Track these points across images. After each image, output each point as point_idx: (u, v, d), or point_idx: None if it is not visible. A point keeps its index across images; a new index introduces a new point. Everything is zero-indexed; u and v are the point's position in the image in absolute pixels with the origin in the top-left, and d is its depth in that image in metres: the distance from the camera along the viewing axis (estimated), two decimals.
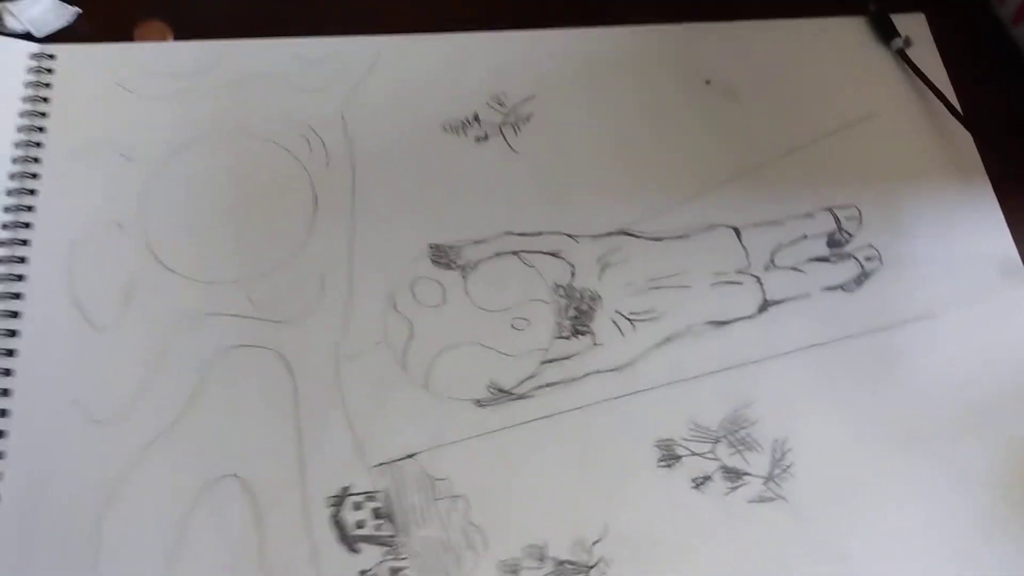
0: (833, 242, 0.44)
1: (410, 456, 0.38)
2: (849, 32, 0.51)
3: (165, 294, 0.41)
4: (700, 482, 0.38)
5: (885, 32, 0.51)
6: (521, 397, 0.40)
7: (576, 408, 0.39)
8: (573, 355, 0.41)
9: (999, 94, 0.50)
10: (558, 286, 0.42)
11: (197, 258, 0.42)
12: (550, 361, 0.40)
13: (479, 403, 0.39)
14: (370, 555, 0.36)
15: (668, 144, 0.47)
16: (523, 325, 0.41)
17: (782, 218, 0.45)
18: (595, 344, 0.41)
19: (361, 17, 0.50)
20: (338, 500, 0.37)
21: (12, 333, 0.40)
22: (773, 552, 0.37)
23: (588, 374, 0.40)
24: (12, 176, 0.43)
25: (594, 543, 0.37)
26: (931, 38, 0.51)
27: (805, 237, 0.44)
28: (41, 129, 0.45)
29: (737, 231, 0.44)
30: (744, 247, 0.44)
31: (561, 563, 0.37)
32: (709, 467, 0.38)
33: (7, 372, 0.39)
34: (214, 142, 0.45)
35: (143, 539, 0.36)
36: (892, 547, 0.38)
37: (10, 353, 0.39)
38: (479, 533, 0.37)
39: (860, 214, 0.45)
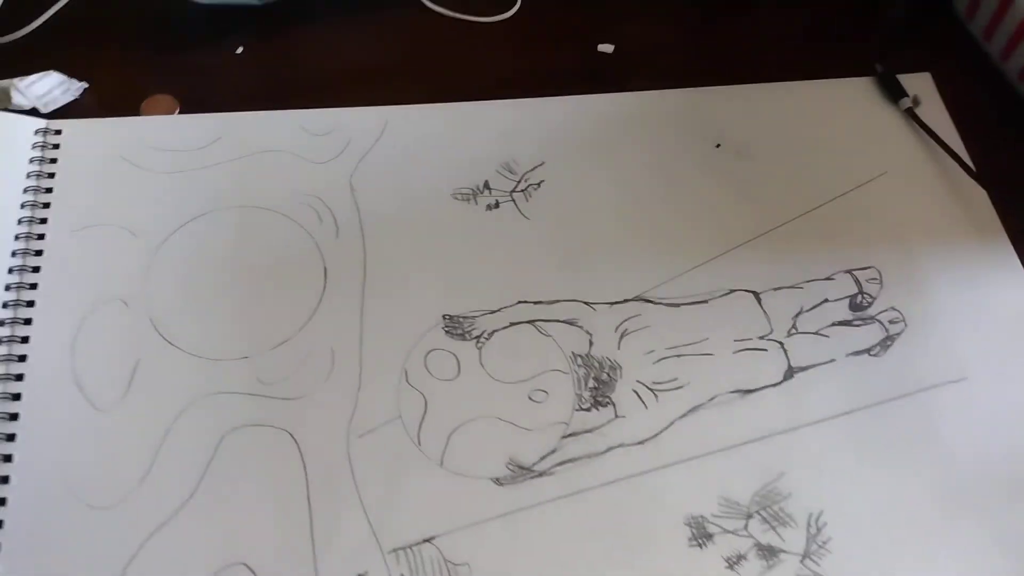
0: (855, 305, 0.43)
1: (427, 540, 0.36)
2: (857, 93, 0.51)
3: (170, 372, 0.40)
4: (734, 562, 0.36)
5: (893, 92, 0.51)
6: (542, 474, 0.38)
7: (601, 485, 0.38)
8: (595, 428, 0.39)
9: (1009, 150, 0.50)
10: (576, 355, 0.41)
11: (203, 335, 0.41)
12: (571, 435, 0.39)
13: (498, 481, 0.38)
14: None
15: (681, 208, 0.46)
16: (541, 397, 0.40)
17: (801, 281, 0.44)
18: (617, 416, 0.39)
19: (366, 90, 0.50)
20: None
21: (13, 416, 0.38)
22: None
23: (611, 448, 0.39)
24: (15, 253, 0.42)
25: None
26: (939, 97, 0.51)
27: (827, 300, 0.43)
28: (46, 205, 0.44)
29: (757, 296, 0.43)
30: (765, 312, 0.43)
31: None
32: (743, 545, 0.37)
33: (7, 458, 0.37)
34: (221, 215, 0.45)
35: None
36: None
37: (10, 438, 0.38)
38: None
39: (881, 276, 0.44)
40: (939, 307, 0.43)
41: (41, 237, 0.43)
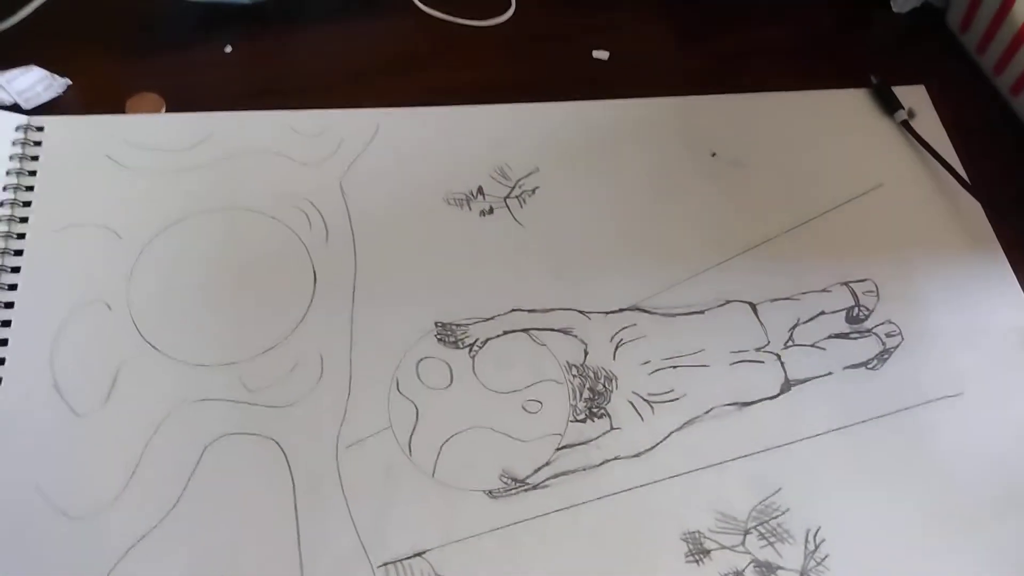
0: (852, 318, 0.43)
1: (418, 554, 0.35)
2: (852, 104, 0.51)
3: (154, 378, 0.39)
4: None
5: (888, 104, 0.51)
6: (536, 487, 0.37)
7: (596, 499, 0.37)
8: (590, 440, 0.38)
9: (1002, 162, 0.50)
10: (571, 365, 0.40)
11: (188, 339, 0.40)
12: (566, 447, 0.38)
13: (491, 494, 0.37)
14: None
15: (677, 217, 0.46)
16: (536, 408, 0.39)
17: (798, 293, 0.43)
18: (612, 428, 0.39)
19: (357, 92, 0.49)
20: None
21: None
22: None
23: (607, 461, 0.38)
24: None
25: None
26: (933, 109, 0.51)
27: (823, 313, 0.43)
28: (26, 204, 0.43)
29: (753, 307, 0.43)
30: (761, 323, 0.42)
31: None
32: (740, 562, 0.36)
33: None
34: (207, 217, 0.44)
35: None
36: None
37: None
38: None
39: (877, 289, 0.44)
40: (935, 321, 0.43)
41: (21, 236, 0.42)
